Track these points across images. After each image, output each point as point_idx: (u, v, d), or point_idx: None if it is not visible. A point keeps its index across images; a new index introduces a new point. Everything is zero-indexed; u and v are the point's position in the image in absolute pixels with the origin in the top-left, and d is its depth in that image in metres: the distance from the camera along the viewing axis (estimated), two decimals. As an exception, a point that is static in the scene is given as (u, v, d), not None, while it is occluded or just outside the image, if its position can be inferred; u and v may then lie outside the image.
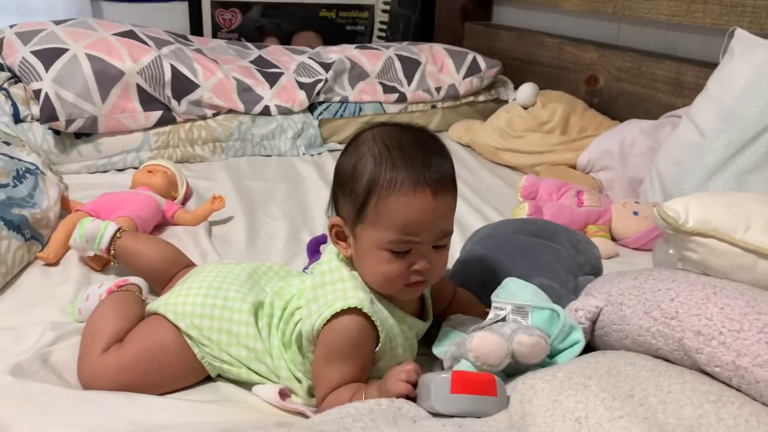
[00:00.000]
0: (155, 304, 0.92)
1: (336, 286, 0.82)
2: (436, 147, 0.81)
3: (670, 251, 1.11)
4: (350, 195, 0.79)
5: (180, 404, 0.83)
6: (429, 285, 0.85)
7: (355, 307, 0.78)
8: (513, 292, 0.85)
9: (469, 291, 1.00)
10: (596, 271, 1.08)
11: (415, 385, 0.74)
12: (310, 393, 0.85)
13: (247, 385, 0.88)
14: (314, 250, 1.20)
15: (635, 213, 1.37)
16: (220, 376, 0.90)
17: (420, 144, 0.79)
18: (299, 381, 0.86)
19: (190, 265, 1.09)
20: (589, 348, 0.85)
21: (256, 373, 0.87)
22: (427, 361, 0.91)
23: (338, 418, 0.68)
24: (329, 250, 0.88)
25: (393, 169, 0.76)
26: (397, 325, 0.84)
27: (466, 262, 1.07)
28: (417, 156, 0.77)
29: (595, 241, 1.22)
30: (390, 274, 0.79)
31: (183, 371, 0.87)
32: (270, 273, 0.98)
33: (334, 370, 0.80)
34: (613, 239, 1.38)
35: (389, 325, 0.82)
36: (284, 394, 0.85)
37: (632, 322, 0.79)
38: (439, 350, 0.86)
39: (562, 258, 1.03)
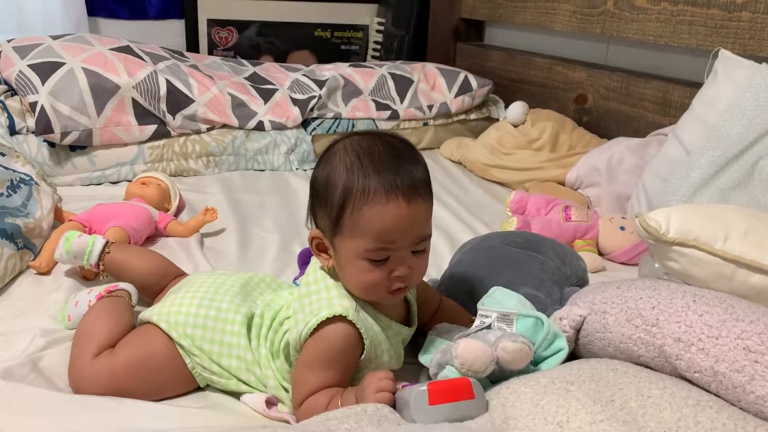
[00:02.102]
0: (148, 313, 0.92)
1: (321, 295, 0.83)
2: (408, 153, 0.82)
3: (656, 265, 1.13)
4: (326, 207, 0.81)
5: (169, 409, 0.83)
6: (410, 288, 0.86)
7: (340, 315, 0.80)
8: (499, 301, 0.87)
9: (456, 300, 1.01)
10: (582, 283, 1.10)
11: (393, 393, 0.75)
12: None
13: (235, 394, 0.89)
14: (305, 261, 1.21)
15: (622, 228, 1.39)
16: (209, 386, 0.91)
17: (391, 151, 0.80)
18: (286, 390, 0.86)
19: (182, 274, 1.10)
20: (573, 356, 0.87)
21: (246, 384, 0.88)
22: (414, 370, 0.92)
23: (324, 421, 0.69)
24: (314, 261, 0.89)
25: (365, 179, 0.77)
26: (383, 332, 0.85)
27: (453, 273, 1.08)
28: (388, 164, 0.78)
29: (583, 255, 1.24)
30: (371, 282, 0.80)
31: (173, 380, 0.88)
32: (262, 285, 0.99)
33: (314, 375, 0.80)
34: (600, 254, 1.40)
35: (374, 332, 0.84)
36: (271, 402, 0.86)
37: (615, 329, 0.80)
38: (425, 358, 0.87)
39: (548, 269, 1.04)
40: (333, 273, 0.85)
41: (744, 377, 0.67)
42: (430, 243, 0.84)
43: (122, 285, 1.02)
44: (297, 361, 0.83)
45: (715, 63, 1.42)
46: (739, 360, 0.68)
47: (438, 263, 1.27)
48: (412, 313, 0.93)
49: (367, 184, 0.77)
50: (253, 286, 0.97)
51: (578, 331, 0.86)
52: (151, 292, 1.07)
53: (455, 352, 0.77)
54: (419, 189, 0.80)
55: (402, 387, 0.80)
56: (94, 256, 1.11)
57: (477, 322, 0.86)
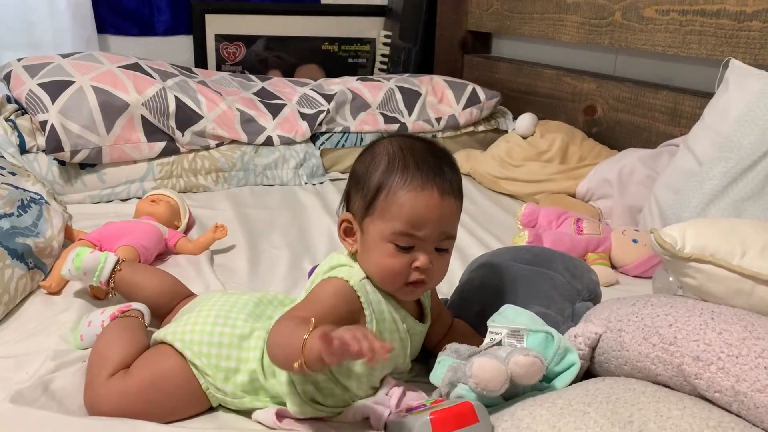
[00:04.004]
0: (162, 333, 0.92)
1: (333, 273, 0.85)
2: (447, 158, 0.86)
3: (670, 278, 1.12)
4: (362, 190, 0.84)
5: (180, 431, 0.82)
6: (428, 288, 0.88)
7: (341, 279, 0.82)
8: (509, 318, 0.86)
9: (466, 321, 1.00)
10: (594, 296, 1.08)
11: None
12: (307, 397, 0.84)
13: (247, 412, 0.88)
14: (315, 277, 1.20)
15: (635, 241, 1.38)
16: (221, 406, 0.90)
17: (433, 152, 0.85)
18: (295, 385, 0.84)
19: (191, 295, 1.10)
20: (589, 374, 0.85)
21: (258, 399, 0.87)
22: (426, 389, 0.90)
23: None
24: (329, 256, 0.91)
25: (405, 168, 0.82)
26: (390, 312, 0.85)
27: (462, 294, 1.07)
28: (429, 160, 0.83)
29: (595, 268, 1.22)
30: (392, 267, 0.82)
31: (187, 401, 0.87)
32: (275, 302, 0.99)
33: (300, 306, 0.82)
34: (613, 267, 1.38)
35: (381, 310, 0.84)
36: (281, 415, 0.85)
37: (631, 348, 0.79)
38: (435, 378, 0.86)
39: (558, 285, 1.03)
40: (353, 260, 0.87)
41: (766, 397, 0.65)
42: (453, 246, 0.86)
43: (135, 305, 1.01)
44: None
45: (725, 73, 1.41)
46: (761, 379, 0.66)
47: (448, 278, 1.25)
48: (425, 314, 0.93)
49: (406, 173, 0.81)
50: (266, 303, 0.97)
51: (594, 349, 0.84)
52: (159, 313, 1.07)
53: (469, 372, 0.76)
54: (454, 189, 0.84)
55: (405, 413, 0.79)
56: (105, 273, 1.10)
57: (487, 339, 0.85)
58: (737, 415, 0.68)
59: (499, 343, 0.83)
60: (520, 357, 0.75)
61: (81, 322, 1.04)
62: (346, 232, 0.87)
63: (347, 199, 0.88)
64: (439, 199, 0.81)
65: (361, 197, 0.84)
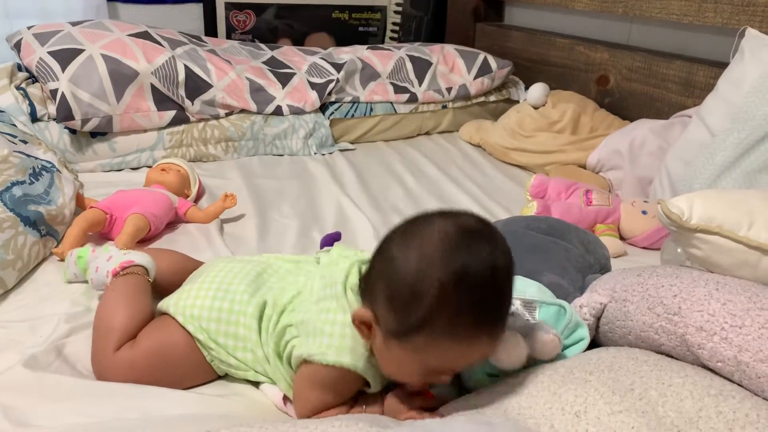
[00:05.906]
0: (166, 304, 0.92)
1: (335, 328, 0.78)
2: (506, 266, 0.70)
3: (679, 250, 1.12)
4: (396, 313, 0.70)
5: (190, 396, 0.84)
6: None
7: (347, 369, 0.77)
8: (519, 289, 0.86)
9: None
10: (605, 271, 1.08)
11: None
12: None
13: (255, 383, 0.90)
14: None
15: (644, 212, 1.37)
16: (228, 375, 0.91)
17: (494, 276, 0.68)
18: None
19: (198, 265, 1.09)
20: (593, 344, 0.86)
21: (263, 375, 0.88)
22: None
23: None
24: (336, 260, 0.85)
25: (456, 315, 0.67)
26: None
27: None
28: (489, 305, 0.69)
29: (604, 240, 1.22)
30: (403, 380, 0.78)
31: (193, 372, 0.89)
32: (281, 271, 0.95)
33: (315, 395, 0.79)
34: (622, 238, 1.38)
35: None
36: (289, 399, 0.87)
37: (635, 318, 0.79)
38: None
39: (572, 257, 1.03)
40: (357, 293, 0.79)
41: (768, 367, 0.66)
42: None
43: (138, 260, 0.98)
44: (298, 373, 0.82)
45: (741, 42, 1.39)
46: (764, 350, 0.67)
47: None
48: None
49: (456, 319, 0.67)
50: (271, 272, 0.94)
51: (599, 319, 0.85)
52: (174, 289, 1.05)
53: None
54: (503, 326, 0.72)
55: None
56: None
57: (499, 309, 0.86)
58: (738, 384, 0.68)
59: (511, 314, 0.83)
60: (542, 334, 0.76)
61: (90, 265, 1.03)
62: (363, 322, 0.75)
63: (370, 290, 0.74)
64: (488, 346, 0.71)
65: (393, 318, 0.70)
